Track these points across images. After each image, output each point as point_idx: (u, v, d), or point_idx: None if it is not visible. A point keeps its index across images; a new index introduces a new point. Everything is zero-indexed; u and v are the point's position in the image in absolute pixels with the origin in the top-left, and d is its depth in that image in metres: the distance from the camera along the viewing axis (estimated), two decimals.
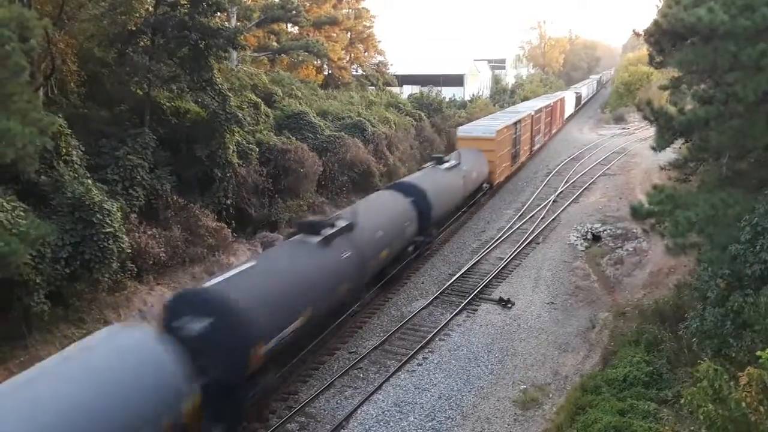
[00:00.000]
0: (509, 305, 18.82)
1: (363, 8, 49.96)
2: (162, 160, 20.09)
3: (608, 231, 25.39)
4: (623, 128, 60.40)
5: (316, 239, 14.95)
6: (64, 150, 16.03)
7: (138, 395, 8.93)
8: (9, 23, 11.12)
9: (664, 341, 13.49)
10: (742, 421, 6.89)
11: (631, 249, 23.13)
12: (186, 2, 20.24)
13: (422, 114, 42.13)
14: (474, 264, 22.35)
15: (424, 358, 15.73)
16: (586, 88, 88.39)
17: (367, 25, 50.67)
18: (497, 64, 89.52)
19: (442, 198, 23.05)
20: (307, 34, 42.32)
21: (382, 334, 16.91)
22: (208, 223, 20.45)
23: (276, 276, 13.25)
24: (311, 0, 43.75)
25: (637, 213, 13.39)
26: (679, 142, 15.53)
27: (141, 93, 20.84)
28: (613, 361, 14.00)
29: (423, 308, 18.60)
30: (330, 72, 46.13)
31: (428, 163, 26.95)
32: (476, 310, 18.60)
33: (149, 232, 18.14)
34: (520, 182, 36.43)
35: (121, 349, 9.51)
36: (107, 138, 18.64)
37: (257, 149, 24.29)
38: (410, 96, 48.05)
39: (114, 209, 15.92)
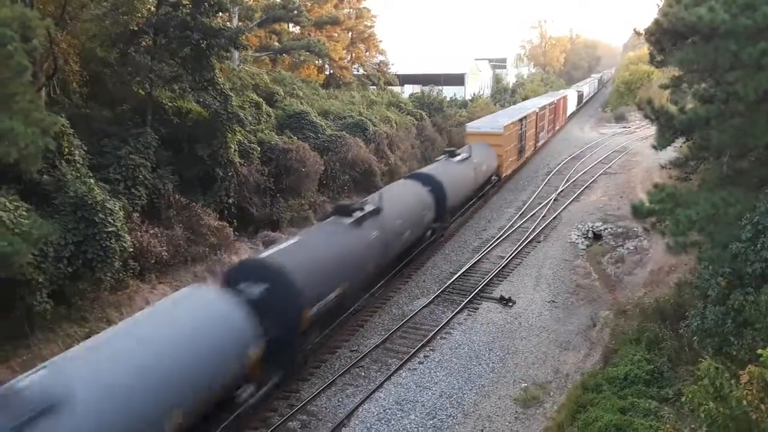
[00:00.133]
0: (510, 304, 18.85)
1: (364, 8, 49.99)
2: (164, 159, 20.14)
3: (609, 229, 25.40)
4: (624, 127, 60.38)
5: (349, 221, 16.49)
6: (66, 150, 16.08)
7: (218, 340, 10.73)
8: (11, 23, 11.16)
9: (665, 339, 13.52)
10: (743, 420, 6.92)
11: (632, 247, 23.15)
12: (188, 2, 20.29)
13: (423, 113, 42.15)
14: (475, 262, 22.38)
15: (425, 356, 15.77)
16: (587, 87, 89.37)
17: (368, 24, 50.69)
18: (498, 64, 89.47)
19: (455, 188, 24.51)
20: (309, 34, 42.34)
21: (383, 333, 16.95)
22: (209, 222, 20.50)
23: (318, 251, 14.80)
24: (312, 0, 43.78)
25: (638, 211, 13.40)
26: (679, 141, 15.55)
27: (143, 93, 20.88)
28: (614, 359, 14.04)
29: (424, 307, 18.64)
30: (331, 72, 46.13)
31: (441, 156, 28.39)
32: (477, 308, 18.64)
33: (151, 231, 18.19)
34: (521, 181, 36.44)
35: (202, 304, 11.39)
36: (109, 137, 18.69)
37: (259, 149, 24.35)
38: (411, 95, 48.06)
39: (116, 208, 15.96)
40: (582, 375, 14.18)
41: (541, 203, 30.60)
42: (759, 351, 7.24)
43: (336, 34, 45.87)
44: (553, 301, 19.11)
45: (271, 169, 24.72)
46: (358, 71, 49.65)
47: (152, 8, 20.64)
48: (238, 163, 22.53)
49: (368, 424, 12.87)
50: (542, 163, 42.06)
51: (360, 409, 13.38)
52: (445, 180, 23.35)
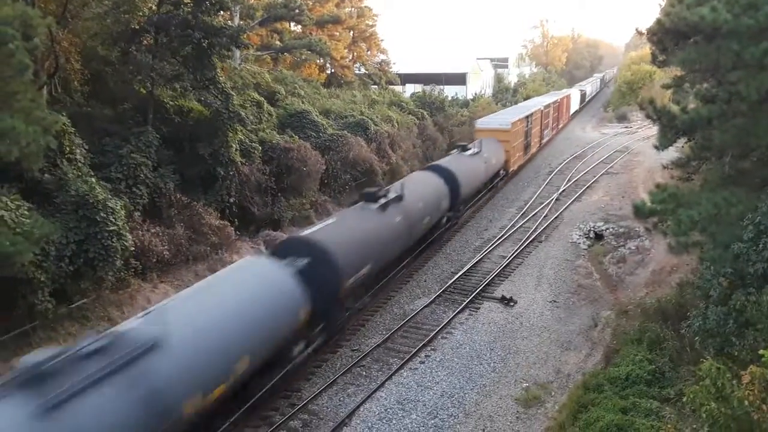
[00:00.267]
0: (512, 303, 18.84)
1: (366, 7, 49.97)
2: (165, 158, 20.14)
3: (611, 229, 25.38)
4: (626, 127, 60.30)
5: (375, 206, 18.21)
6: (67, 148, 16.09)
7: (275, 301, 12.55)
8: (13, 21, 11.17)
9: (667, 340, 13.50)
10: (744, 420, 6.91)
11: (633, 247, 23.12)
12: (189, 1, 20.26)
13: (425, 113, 42.12)
14: (477, 262, 22.37)
15: (426, 356, 15.76)
16: (590, 86, 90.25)
17: (370, 23, 50.69)
18: (500, 63, 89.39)
19: (467, 179, 26.15)
20: (310, 33, 42.35)
21: (384, 332, 16.95)
22: (211, 221, 20.51)
23: (350, 231, 16.55)
24: None
25: (639, 211, 13.38)
26: (681, 141, 15.50)
27: (144, 91, 20.88)
28: (616, 359, 14.03)
29: (425, 306, 18.63)
30: (333, 71, 46.12)
31: (454, 150, 29.91)
32: (479, 308, 18.63)
33: (153, 230, 18.20)
34: (521, 181, 36.41)
35: (261, 272, 13.23)
36: (111, 136, 18.69)
37: (260, 148, 24.35)
38: (413, 95, 48.01)
39: (118, 207, 15.97)
40: (583, 375, 14.17)
41: (542, 203, 30.58)
42: (761, 351, 7.23)
43: (337, 33, 45.88)
44: (555, 301, 19.10)
45: (272, 169, 24.72)
46: (359, 70, 49.64)
47: (153, 7, 20.63)
48: (239, 163, 22.53)
49: (369, 424, 12.87)
50: (544, 162, 42.03)
51: (361, 409, 13.38)
52: (458, 172, 24.89)
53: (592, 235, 25.26)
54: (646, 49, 45.30)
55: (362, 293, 17.61)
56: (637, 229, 24.25)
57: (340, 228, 16.40)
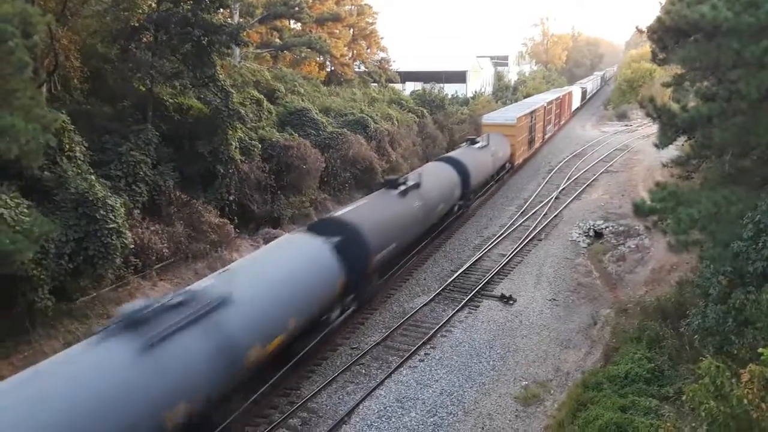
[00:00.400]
0: (511, 302, 18.84)
1: (365, 5, 49.91)
2: (165, 156, 20.13)
3: (610, 228, 25.38)
4: (626, 125, 60.27)
5: (396, 192, 19.73)
6: (67, 146, 16.08)
7: (316, 271, 14.37)
8: (12, 19, 11.15)
9: (666, 338, 13.50)
10: (743, 418, 6.92)
11: (633, 246, 23.12)
12: None
13: (425, 111, 42.05)
14: (476, 260, 22.37)
15: (425, 354, 15.77)
16: (591, 84, 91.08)
17: (370, 21, 50.63)
18: (500, 61, 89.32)
19: (477, 170, 27.68)
20: (310, 31, 42.28)
21: (384, 330, 16.96)
22: (210, 219, 20.50)
23: (376, 213, 18.12)
24: None
25: (639, 210, 13.38)
26: (681, 140, 15.52)
27: (144, 89, 20.86)
28: (615, 357, 14.03)
29: (425, 304, 18.64)
30: (332, 68, 46.07)
31: (463, 143, 31.54)
32: (478, 306, 18.63)
33: (152, 228, 18.20)
34: (521, 180, 36.40)
35: (303, 246, 14.96)
36: (110, 134, 18.68)
37: (260, 146, 24.33)
38: (413, 93, 47.95)
39: (117, 205, 15.97)
40: (583, 373, 14.18)
41: (542, 201, 30.57)
42: (760, 350, 7.24)
43: (337, 31, 45.83)
44: (554, 300, 19.10)
45: (272, 166, 24.71)
46: (359, 68, 49.60)
47: (153, 4, 20.61)
48: (239, 160, 22.52)
49: (369, 422, 12.88)
50: (544, 161, 42.01)
51: (361, 407, 13.39)
52: (468, 163, 26.50)
53: (591, 233, 25.24)
54: (647, 47, 45.26)
55: (384, 271, 19.24)
56: (636, 227, 24.26)
57: (368, 210, 18.01)
